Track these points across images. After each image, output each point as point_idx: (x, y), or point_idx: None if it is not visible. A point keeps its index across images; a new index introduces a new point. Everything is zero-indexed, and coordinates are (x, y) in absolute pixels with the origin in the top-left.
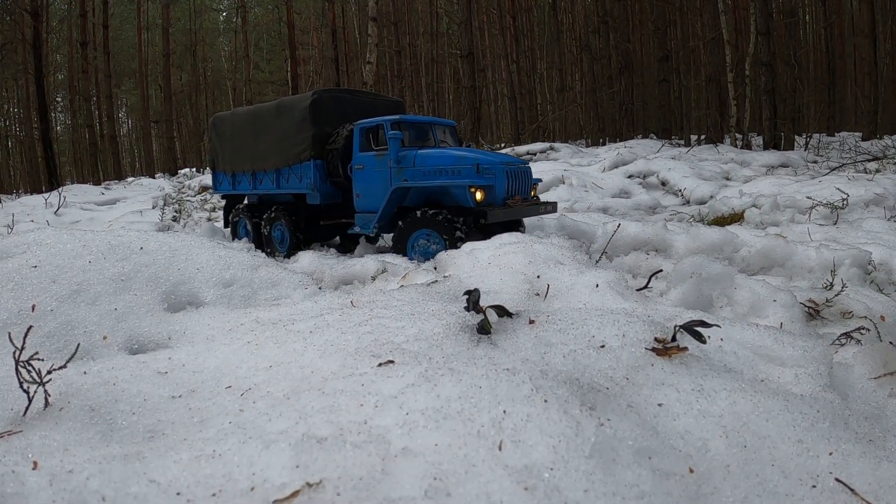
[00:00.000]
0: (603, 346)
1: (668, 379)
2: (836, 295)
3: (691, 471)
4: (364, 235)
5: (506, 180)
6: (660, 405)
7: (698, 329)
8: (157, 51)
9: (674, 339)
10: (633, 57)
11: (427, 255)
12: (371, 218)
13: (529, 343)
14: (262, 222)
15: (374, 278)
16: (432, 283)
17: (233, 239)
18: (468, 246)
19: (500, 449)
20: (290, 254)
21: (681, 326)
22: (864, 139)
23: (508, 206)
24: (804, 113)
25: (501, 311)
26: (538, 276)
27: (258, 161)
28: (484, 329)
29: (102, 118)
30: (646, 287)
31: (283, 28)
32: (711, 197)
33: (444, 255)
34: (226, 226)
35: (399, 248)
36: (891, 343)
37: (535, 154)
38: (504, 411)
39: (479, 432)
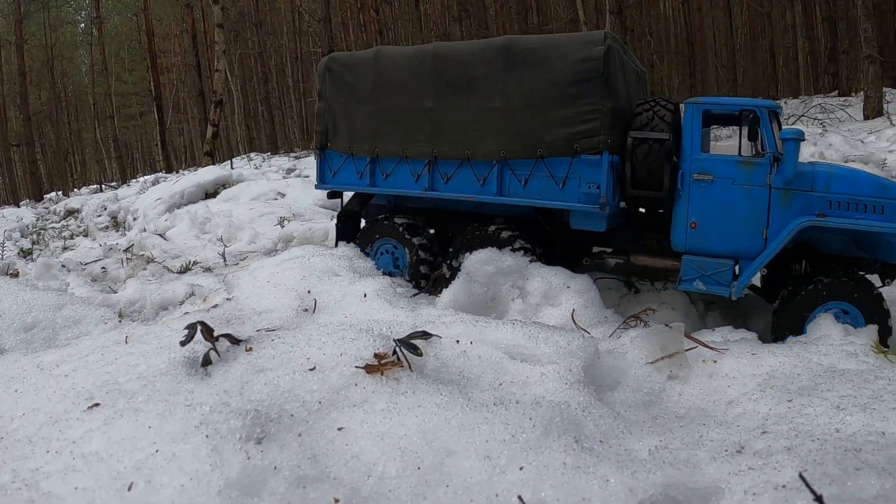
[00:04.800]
0: (313, 369)
1: (370, 398)
2: None
3: (336, 501)
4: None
5: None
6: (340, 429)
7: (415, 342)
8: (12, 69)
9: (394, 353)
10: None
11: None
12: (722, 267)
13: (240, 372)
14: (450, 253)
15: (181, 303)
16: (213, 307)
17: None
18: (254, 263)
19: (129, 490)
20: None
21: (399, 341)
22: None
23: None
24: (665, 85)
25: (232, 339)
26: (309, 292)
27: (449, 141)
28: (207, 361)
29: None
30: (424, 290)
31: (143, 37)
32: None
33: (230, 275)
34: (340, 241)
35: (785, 325)
36: (666, 325)
37: None
38: (156, 451)
39: (119, 474)
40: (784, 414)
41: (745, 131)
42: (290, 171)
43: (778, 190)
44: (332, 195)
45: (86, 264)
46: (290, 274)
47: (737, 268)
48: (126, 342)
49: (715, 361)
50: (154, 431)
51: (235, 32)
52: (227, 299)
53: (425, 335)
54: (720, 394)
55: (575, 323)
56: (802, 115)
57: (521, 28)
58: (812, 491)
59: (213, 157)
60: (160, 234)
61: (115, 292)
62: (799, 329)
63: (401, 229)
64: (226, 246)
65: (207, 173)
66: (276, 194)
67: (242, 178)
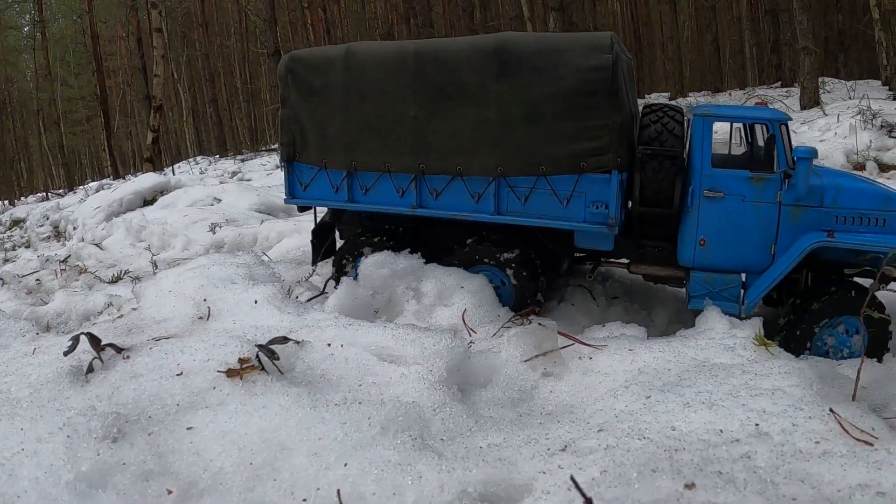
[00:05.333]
0: (181, 374)
1: (225, 400)
2: None
3: (169, 492)
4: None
5: None
6: (189, 429)
7: (273, 347)
8: None
9: (257, 357)
10: None
11: (845, 353)
12: (730, 283)
13: (115, 378)
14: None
15: (100, 314)
16: (119, 317)
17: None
18: (161, 273)
19: None
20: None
21: (259, 346)
22: (670, 98)
23: None
24: None
25: (116, 348)
26: (205, 300)
27: (438, 154)
28: (90, 369)
29: None
30: (321, 294)
31: (88, 40)
32: None
33: (139, 285)
34: (318, 260)
35: (792, 340)
36: (540, 324)
37: None
38: (22, 448)
39: None
40: (636, 411)
41: (749, 141)
42: (234, 174)
43: (788, 206)
44: (302, 208)
45: (22, 276)
46: (190, 283)
47: (743, 277)
48: (33, 353)
49: (591, 358)
50: (24, 432)
51: (182, 34)
52: (133, 309)
53: (285, 340)
54: (590, 390)
55: (464, 322)
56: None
57: (468, 26)
58: (582, 493)
59: (153, 163)
60: (97, 244)
61: (46, 304)
62: (804, 345)
63: (386, 246)
64: (154, 255)
65: (146, 180)
66: (213, 200)
67: (180, 184)
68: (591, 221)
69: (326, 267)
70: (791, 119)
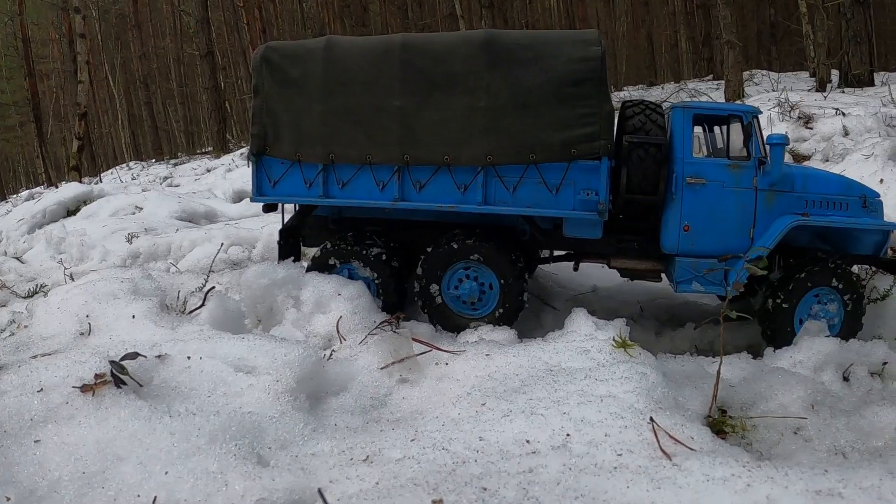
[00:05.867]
0: (41, 390)
1: (75, 414)
2: None
3: (8, 499)
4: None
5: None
6: (36, 441)
7: (133, 362)
8: None
9: (112, 373)
10: None
11: (835, 322)
12: (713, 265)
13: None
14: (419, 275)
15: (2, 331)
16: (10, 335)
17: None
18: (53, 290)
19: None
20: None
21: (111, 362)
22: None
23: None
24: None
25: None
26: (87, 315)
27: (424, 144)
28: None
29: None
30: (202, 306)
31: (19, 43)
32: None
33: (33, 302)
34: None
35: (774, 329)
36: (394, 331)
37: None
38: None
39: None
40: (462, 419)
41: (726, 132)
42: (165, 179)
43: (763, 191)
44: (268, 208)
45: None
46: (76, 300)
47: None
48: None
49: (447, 364)
50: None
51: (117, 35)
52: (25, 326)
53: (136, 355)
54: (440, 396)
55: (337, 330)
56: (666, 100)
57: (402, 26)
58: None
59: (79, 172)
60: (17, 258)
61: None
62: (789, 328)
63: (361, 249)
64: (67, 268)
65: (69, 190)
66: (134, 208)
67: (104, 193)
68: (581, 209)
69: (225, 276)
70: (762, 112)
